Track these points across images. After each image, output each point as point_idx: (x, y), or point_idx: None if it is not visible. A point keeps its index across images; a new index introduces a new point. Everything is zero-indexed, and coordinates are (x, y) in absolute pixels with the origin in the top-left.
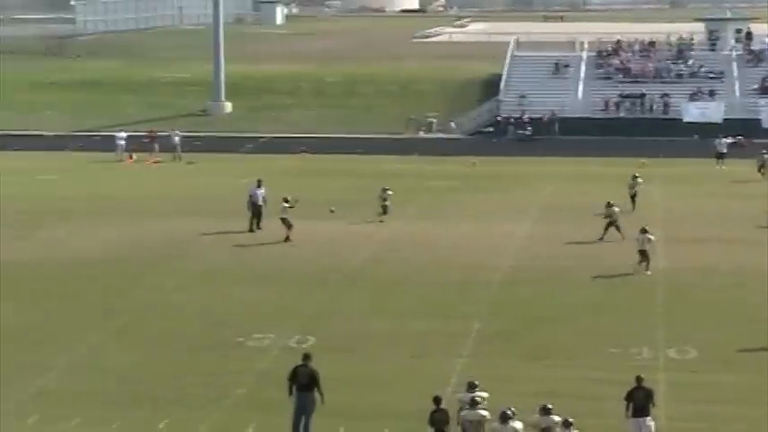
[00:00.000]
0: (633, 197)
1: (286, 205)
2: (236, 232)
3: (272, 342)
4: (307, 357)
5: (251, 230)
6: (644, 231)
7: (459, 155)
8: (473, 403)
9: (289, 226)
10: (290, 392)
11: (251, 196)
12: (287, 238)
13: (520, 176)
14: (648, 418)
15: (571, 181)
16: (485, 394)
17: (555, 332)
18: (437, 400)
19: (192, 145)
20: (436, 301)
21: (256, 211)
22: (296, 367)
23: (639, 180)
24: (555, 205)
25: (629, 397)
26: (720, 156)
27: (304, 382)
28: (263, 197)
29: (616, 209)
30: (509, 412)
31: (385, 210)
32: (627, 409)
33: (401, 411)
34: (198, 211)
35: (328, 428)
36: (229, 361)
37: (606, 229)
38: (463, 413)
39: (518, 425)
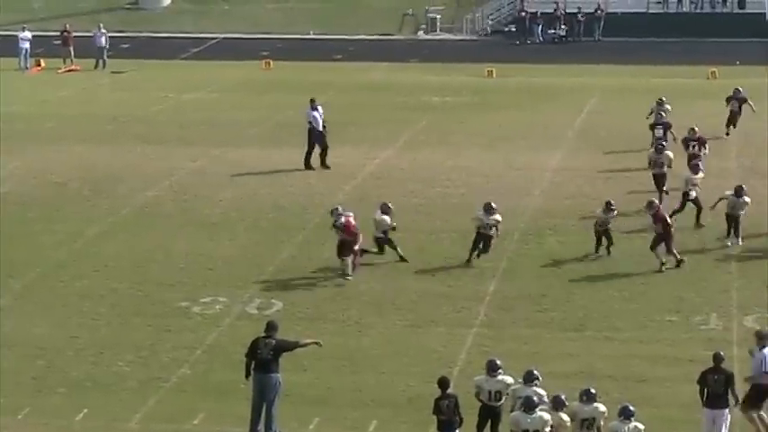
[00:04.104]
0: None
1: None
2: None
3: (226, 308)
4: (271, 327)
5: (308, 167)
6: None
7: (472, 62)
8: (530, 380)
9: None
10: (248, 373)
11: (309, 122)
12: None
13: (551, 90)
14: (726, 410)
15: (618, 96)
16: (509, 380)
17: (594, 295)
18: (443, 384)
19: (118, 49)
20: (438, 254)
21: (318, 141)
22: (256, 340)
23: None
24: (597, 128)
25: (703, 381)
26: None
27: (267, 358)
28: (321, 119)
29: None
30: (535, 399)
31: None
32: (701, 395)
33: (393, 397)
34: (129, 136)
35: (299, 419)
36: (169, 332)
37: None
38: (515, 388)
39: (547, 416)
